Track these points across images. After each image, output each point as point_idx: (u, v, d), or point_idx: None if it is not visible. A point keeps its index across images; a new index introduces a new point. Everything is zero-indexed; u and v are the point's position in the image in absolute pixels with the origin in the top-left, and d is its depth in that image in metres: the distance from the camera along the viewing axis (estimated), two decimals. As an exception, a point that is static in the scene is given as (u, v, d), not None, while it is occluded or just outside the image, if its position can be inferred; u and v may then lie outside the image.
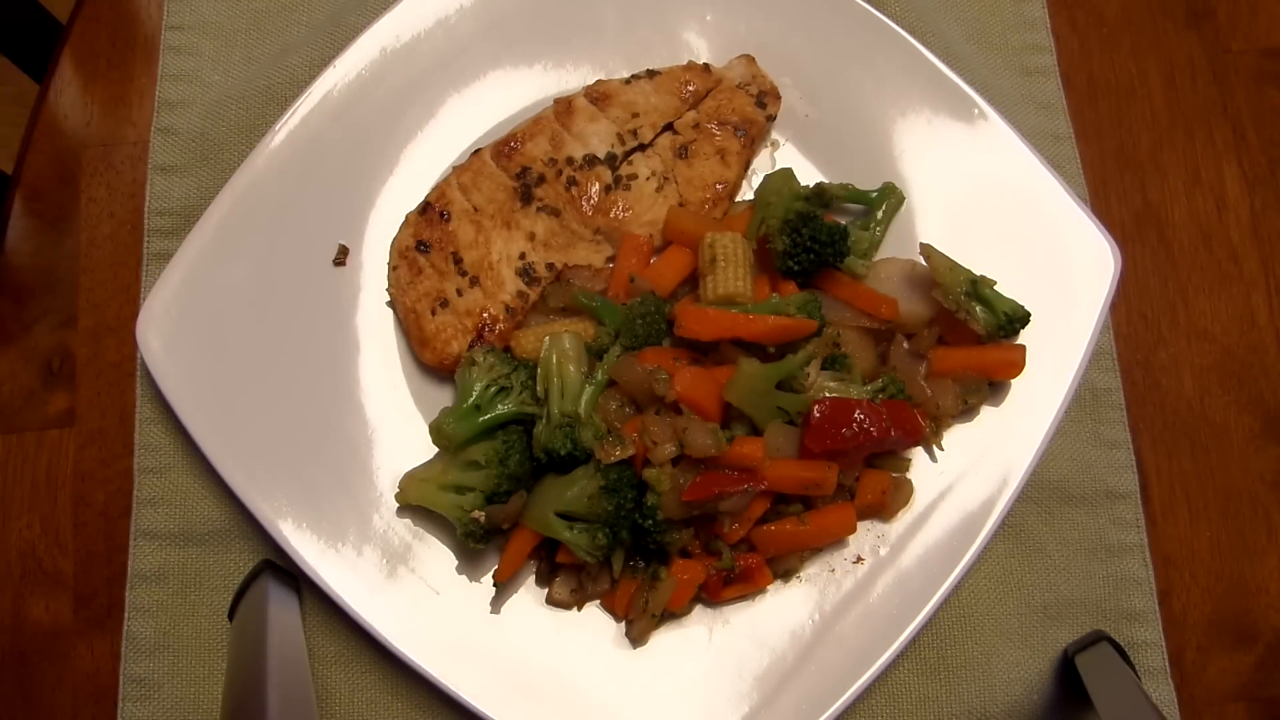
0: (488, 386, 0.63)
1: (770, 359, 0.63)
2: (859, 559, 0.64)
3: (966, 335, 0.66)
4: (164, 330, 0.65)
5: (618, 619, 0.63)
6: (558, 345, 0.63)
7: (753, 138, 0.70)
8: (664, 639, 0.63)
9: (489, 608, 0.63)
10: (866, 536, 0.65)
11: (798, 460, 0.61)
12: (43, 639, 0.66)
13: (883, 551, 0.65)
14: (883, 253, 0.69)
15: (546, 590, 0.63)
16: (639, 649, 0.63)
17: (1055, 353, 0.67)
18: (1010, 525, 0.68)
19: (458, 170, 0.69)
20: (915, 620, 0.62)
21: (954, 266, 0.66)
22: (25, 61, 0.86)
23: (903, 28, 0.71)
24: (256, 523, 0.62)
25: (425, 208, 0.68)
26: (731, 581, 0.63)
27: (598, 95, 0.70)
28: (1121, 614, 0.67)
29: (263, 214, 0.67)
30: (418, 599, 0.62)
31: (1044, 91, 0.76)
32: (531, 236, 0.68)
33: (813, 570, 0.64)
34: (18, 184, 0.74)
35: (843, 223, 0.68)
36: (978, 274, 0.66)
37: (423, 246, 0.67)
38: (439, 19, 0.72)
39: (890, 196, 0.69)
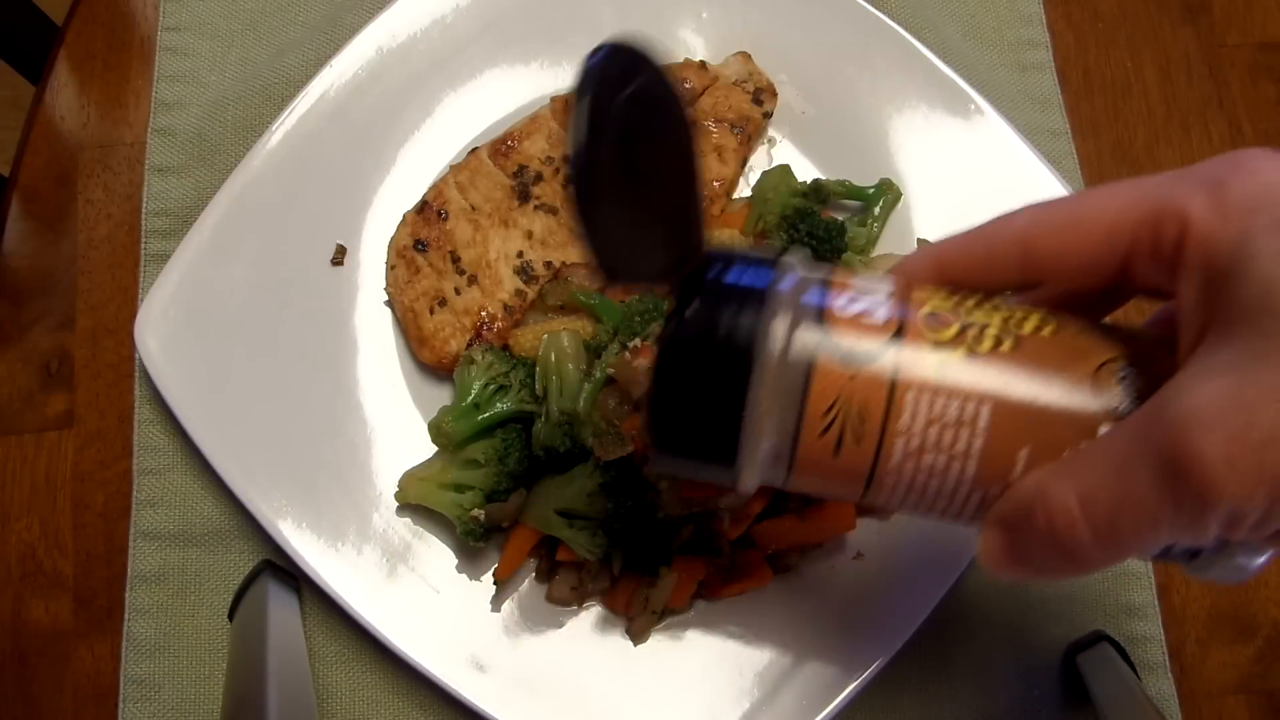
0: (486, 385, 0.63)
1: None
2: (859, 555, 0.64)
3: (964, 330, 0.66)
4: (162, 331, 0.65)
5: (618, 616, 0.63)
6: (556, 343, 0.62)
7: (749, 134, 0.70)
8: (664, 636, 0.63)
9: (489, 606, 0.63)
10: (866, 533, 0.65)
11: (797, 456, 0.61)
12: (43, 640, 0.66)
13: (883, 548, 0.65)
14: (880, 248, 0.69)
15: (546, 588, 0.63)
16: (640, 646, 0.63)
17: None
18: (1009, 520, 0.68)
19: (455, 169, 0.69)
20: (915, 616, 0.62)
21: (951, 262, 0.65)
22: (21, 64, 0.86)
23: (899, 24, 0.71)
24: (256, 523, 0.62)
25: (423, 207, 0.68)
26: (731, 578, 0.63)
27: (595, 93, 0.70)
28: (1121, 609, 0.67)
29: (260, 214, 0.67)
30: (418, 598, 0.62)
31: (1040, 87, 0.77)
32: (529, 235, 0.67)
33: (813, 567, 0.64)
34: (15, 186, 0.74)
35: (840, 219, 0.68)
36: (975, 269, 0.66)
37: (420, 245, 0.67)
38: (435, 19, 0.72)
39: (887, 193, 0.69)
